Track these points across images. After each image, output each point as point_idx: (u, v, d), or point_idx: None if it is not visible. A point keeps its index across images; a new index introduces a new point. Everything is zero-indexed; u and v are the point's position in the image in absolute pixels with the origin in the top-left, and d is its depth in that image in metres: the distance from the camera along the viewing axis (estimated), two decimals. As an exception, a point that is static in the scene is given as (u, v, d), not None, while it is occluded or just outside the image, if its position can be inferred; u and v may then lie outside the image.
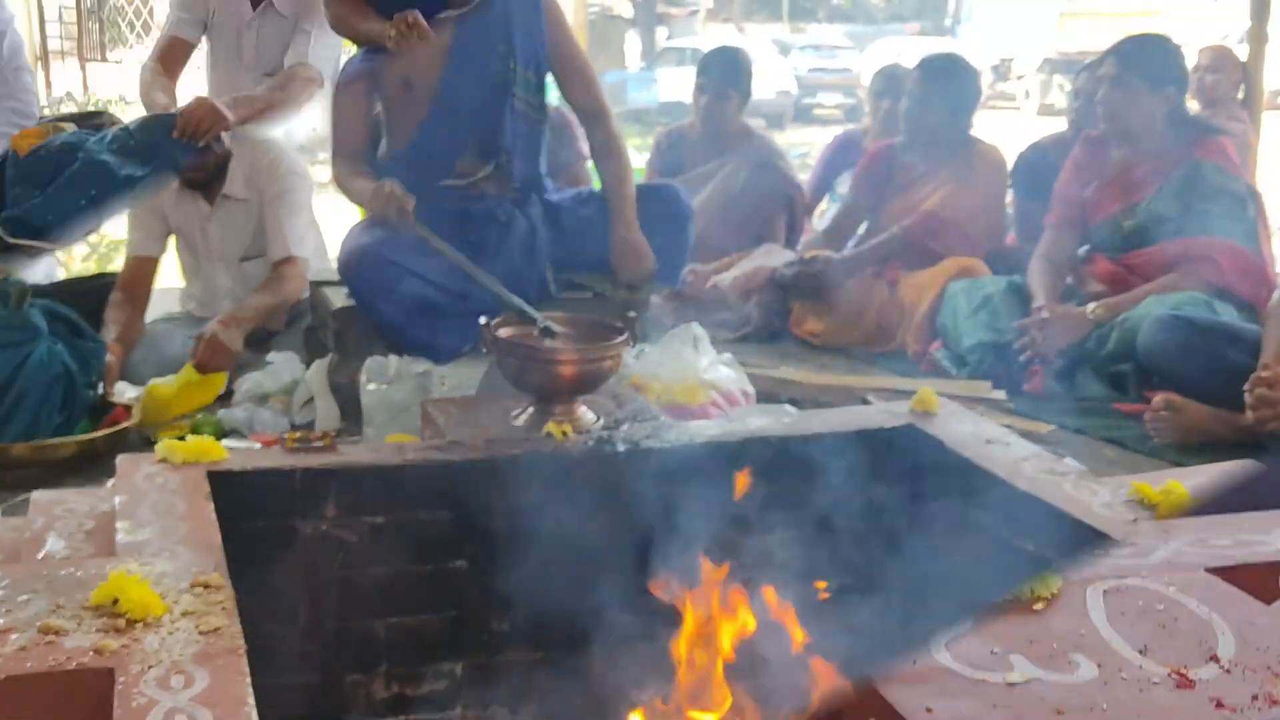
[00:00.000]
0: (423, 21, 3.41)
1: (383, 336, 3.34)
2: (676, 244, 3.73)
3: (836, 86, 24.96)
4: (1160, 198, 4.17)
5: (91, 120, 4.07)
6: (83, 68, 8.90)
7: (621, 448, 2.37)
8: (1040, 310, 4.13)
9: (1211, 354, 3.56)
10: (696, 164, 5.50)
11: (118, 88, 9.29)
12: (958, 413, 2.58)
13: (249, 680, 1.50)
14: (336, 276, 3.60)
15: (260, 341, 4.02)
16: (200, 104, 4.03)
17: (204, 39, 4.66)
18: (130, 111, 5.04)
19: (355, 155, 3.68)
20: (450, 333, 3.32)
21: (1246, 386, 3.34)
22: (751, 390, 3.20)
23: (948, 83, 4.95)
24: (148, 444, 2.72)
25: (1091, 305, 4.10)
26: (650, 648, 2.33)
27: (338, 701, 2.31)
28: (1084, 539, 2.02)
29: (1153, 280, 4.10)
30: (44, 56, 8.59)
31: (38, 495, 2.28)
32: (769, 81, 20.23)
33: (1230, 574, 1.34)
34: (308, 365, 3.66)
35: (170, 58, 4.62)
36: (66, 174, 3.66)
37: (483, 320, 2.54)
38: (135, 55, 9.95)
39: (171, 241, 4.41)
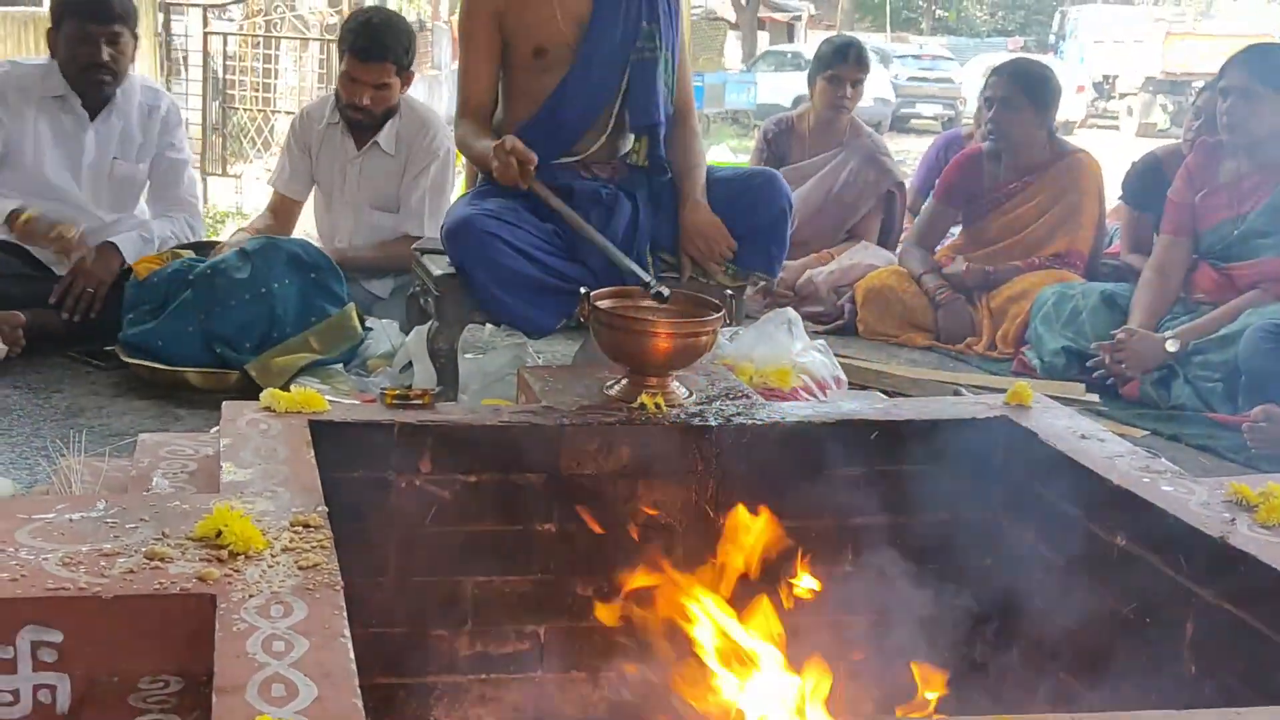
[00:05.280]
0: (521, 146, 3.26)
1: (480, 307, 3.35)
2: (775, 232, 3.54)
3: (936, 98, 24.80)
4: (1267, 209, 4.12)
5: (207, 250, 4.18)
6: (204, 181, 9.28)
7: (714, 422, 2.39)
8: (1121, 335, 4.11)
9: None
10: (804, 156, 5.52)
11: (235, 201, 9.71)
12: (1052, 408, 2.56)
13: (345, 613, 1.53)
14: (440, 245, 3.62)
15: (365, 308, 4.12)
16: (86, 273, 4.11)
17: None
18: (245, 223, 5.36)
19: (484, 115, 3.58)
20: (546, 309, 3.30)
21: None
22: (843, 377, 3.20)
23: (1029, 85, 4.94)
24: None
25: (1169, 334, 4.06)
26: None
27: (422, 655, 2.34)
28: (1178, 536, 2.01)
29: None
30: (167, 170, 9.03)
31: (144, 437, 2.35)
32: (867, 89, 20.09)
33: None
34: (408, 332, 3.72)
35: (283, 214, 4.73)
36: (177, 301, 3.79)
37: (583, 290, 2.56)
38: (253, 170, 10.38)
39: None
